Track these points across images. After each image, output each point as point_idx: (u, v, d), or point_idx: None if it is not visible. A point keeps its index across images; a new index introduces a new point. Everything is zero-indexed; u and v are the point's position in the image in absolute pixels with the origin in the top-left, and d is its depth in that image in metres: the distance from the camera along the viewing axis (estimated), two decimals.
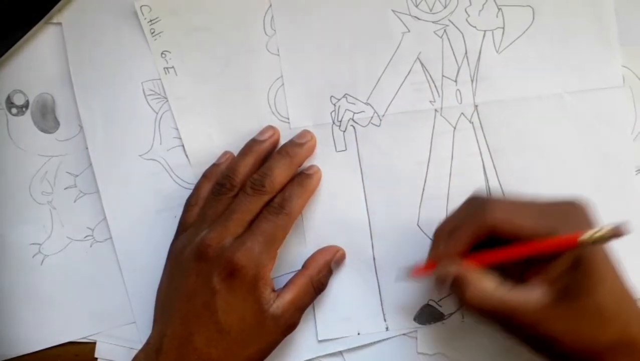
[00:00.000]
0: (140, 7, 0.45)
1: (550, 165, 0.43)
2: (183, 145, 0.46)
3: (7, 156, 0.47)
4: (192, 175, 0.45)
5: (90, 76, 0.46)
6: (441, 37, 0.44)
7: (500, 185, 0.43)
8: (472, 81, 0.43)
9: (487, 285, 0.35)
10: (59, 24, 0.47)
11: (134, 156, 0.46)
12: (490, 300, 0.35)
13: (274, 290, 0.40)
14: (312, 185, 0.43)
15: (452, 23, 0.44)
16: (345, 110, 0.44)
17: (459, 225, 0.36)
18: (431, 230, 0.41)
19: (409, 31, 0.44)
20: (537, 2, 0.43)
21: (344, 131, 0.44)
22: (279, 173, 0.41)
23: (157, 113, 0.46)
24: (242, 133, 0.44)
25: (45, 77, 0.47)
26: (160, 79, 0.45)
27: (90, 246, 0.46)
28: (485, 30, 0.43)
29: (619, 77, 0.43)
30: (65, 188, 0.47)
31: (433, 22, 0.44)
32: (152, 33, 0.45)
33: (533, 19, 0.43)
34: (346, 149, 0.44)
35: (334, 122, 0.44)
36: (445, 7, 0.44)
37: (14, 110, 0.47)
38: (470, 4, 0.43)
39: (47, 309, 0.46)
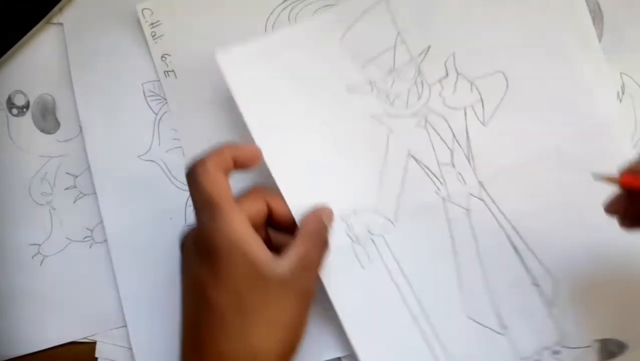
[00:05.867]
0: (142, 10, 0.45)
1: (572, 215, 0.42)
2: (182, 147, 0.45)
3: (7, 156, 0.47)
4: None
5: (90, 77, 0.46)
6: (425, 127, 0.43)
7: (533, 253, 0.42)
8: (468, 160, 0.42)
9: None
10: (60, 24, 0.47)
11: (132, 157, 0.46)
12: None
13: (272, 255, 0.36)
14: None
15: (431, 111, 0.43)
16: (358, 225, 0.42)
17: None
18: (484, 317, 0.41)
19: (392, 131, 0.43)
20: (506, 66, 0.42)
21: (364, 246, 0.42)
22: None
23: (156, 115, 0.46)
24: None
25: (46, 77, 0.47)
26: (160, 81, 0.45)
27: (90, 247, 0.46)
28: (465, 107, 0.42)
29: (612, 111, 0.42)
30: (65, 189, 0.47)
31: (412, 115, 0.43)
32: (153, 36, 0.45)
33: (507, 83, 0.42)
34: (372, 263, 0.42)
35: (351, 240, 0.42)
36: (419, 98, 0.43)
37: (14, 111, 0.47)
38: (443, 88, 0.42)
39: (47, 309, 0.46)
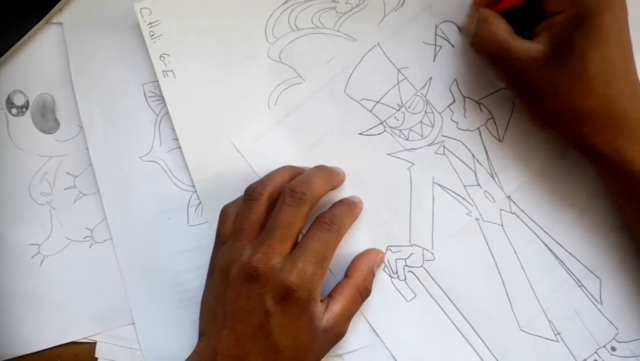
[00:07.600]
0: (140, 9, 0.45)
1: (600, 212, 0.42)
2: (181, 147, 0.45)
3: (7, 156, 0.47)
4: (190, 178, 0.45)
5: (91, 77, 0.46)
6: (444, 154, 0.44)
7: (573, 255, 0.42)
8: (492, 177, 0.43)
9: (500, 28, 0.38)
10: (60, 24, 0.47)
11: (134, 157, 0.46)
12: (497, 39, 0.38)
13: (321, 301, 0.39)
14: (357, 210, 0.43)
15: (446, 137, 0.44)
16: (395, 260, 0.43)
17: None
18: (537, 327, 0.42)
19: (413, 164, 0.44)
20: None
21: (405, 280, 0.43)
22: (319, 184, 0.40)
23: (157, 115, 0.46)
24: None
25: (46, 77, 0.47)
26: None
27: (90, 247, 0.46)
28: (478, 128, 0.43)
29: None
30: (64, 189, 0.47)
31: (429, 144, 0.44)
32: (152, 36, 0.45)
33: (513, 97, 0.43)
34: (416, 295, 0.43)
35: (390, 276, 0.44)
36: (433, 127, 0.44)
37: (14, 111, 0.47)
38: (453, 113, 0.44)
39: (47, 309, 0.46)
